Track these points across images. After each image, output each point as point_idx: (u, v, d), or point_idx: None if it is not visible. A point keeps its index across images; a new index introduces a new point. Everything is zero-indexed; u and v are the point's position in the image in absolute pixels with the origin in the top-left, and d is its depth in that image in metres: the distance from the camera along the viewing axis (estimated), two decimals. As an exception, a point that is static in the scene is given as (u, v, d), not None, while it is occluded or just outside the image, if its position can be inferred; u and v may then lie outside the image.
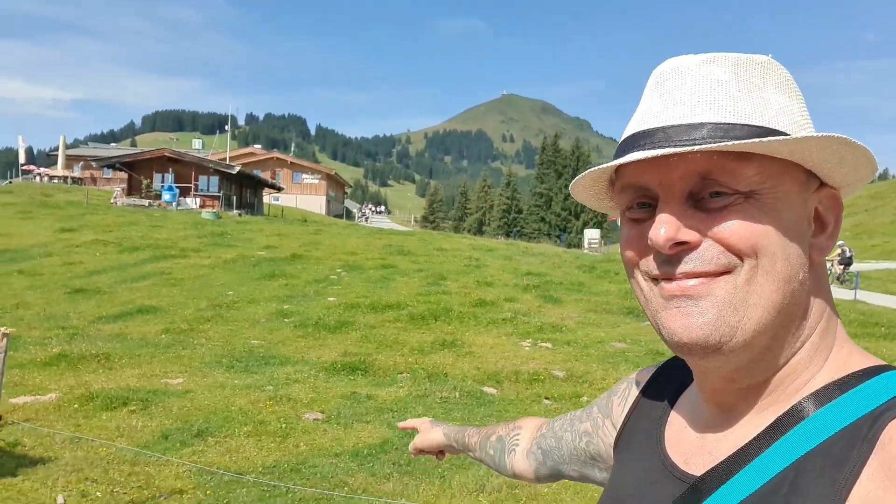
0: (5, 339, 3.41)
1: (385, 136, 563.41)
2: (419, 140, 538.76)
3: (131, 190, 34.29)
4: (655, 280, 0.62)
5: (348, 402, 6.56)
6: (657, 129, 0.61)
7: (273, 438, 5.42)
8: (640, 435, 0.78)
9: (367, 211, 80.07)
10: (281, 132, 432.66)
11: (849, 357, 0.63)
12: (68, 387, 6.64)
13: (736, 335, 0.58)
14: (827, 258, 0.69)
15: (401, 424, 1.41)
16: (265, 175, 50.36)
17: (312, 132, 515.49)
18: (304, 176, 58.04)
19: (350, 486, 4.46)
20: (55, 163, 49.44)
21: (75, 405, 6.05)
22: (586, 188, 0.71)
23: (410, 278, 14.83)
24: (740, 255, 0.58)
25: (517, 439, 1.09)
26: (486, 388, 7.30)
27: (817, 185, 0.64)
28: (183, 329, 10.16)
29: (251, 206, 39.21)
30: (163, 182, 33.89)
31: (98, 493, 4.14)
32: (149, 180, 33.89)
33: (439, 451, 1.30)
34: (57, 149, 49.98)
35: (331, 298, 12.40)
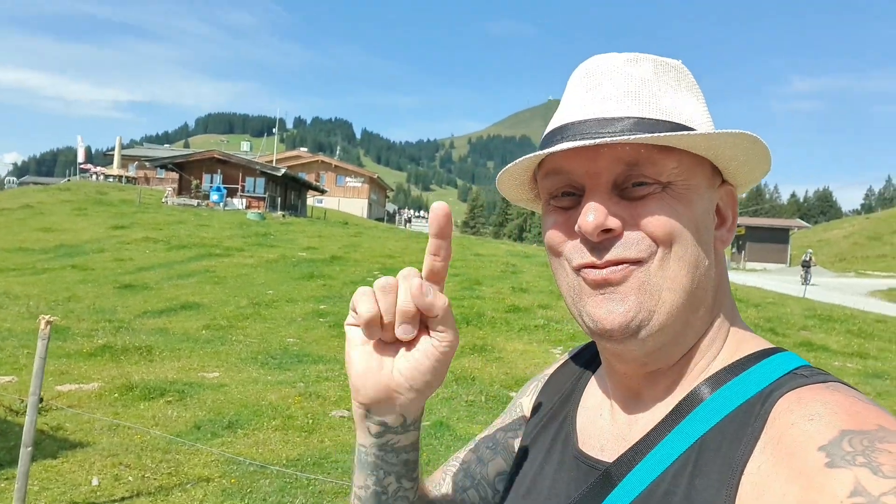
0: (48, 327, 3.62)
1: (429, 141, 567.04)
2: (462, 145, 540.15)
3: (181, 190, 35.48)
4: (577, 271, 0.64)
5: (375, 402, 6.68)
6: (586, 121, 0.63)
7: (299, 433, 5.57)
8: (549, 423, 0.78)
9: (410, 214, 79.70)
10: (327, 136, 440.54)
11: (742, 341, 0.67)
12: (110, 377, 6.94)
13: (652, 319, 0.62)
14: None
15: None
16: (310, 178, 51.42)
17: (358, 136, 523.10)
18: (348, 179, 58.98)
19: (370, 482, 4.56)
20: (111, 162, 51.61)
21: (115, 394, 6.33)
22: (514, 177, 0.71)
23: (446, 282, 14.92)
24: (657, 242, 0.62)
25: None
26: (512, 393, 7.32)
27: (719, 183, 0.69)
28: (223, 325, 10.47)
29: (295, 207, 40.04)
30: (211, 183, 34.97)
31: (130, 478, 4.34)
32: (198, 181, 35.03)
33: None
34: (113, 149, 52.11)
35: (366, 300, 12.58)
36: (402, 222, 65.26)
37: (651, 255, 0.62)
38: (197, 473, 4.50)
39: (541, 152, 0.64)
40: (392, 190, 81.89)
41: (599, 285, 0.62)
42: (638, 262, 0.62)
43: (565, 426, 0.75)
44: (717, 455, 0.58)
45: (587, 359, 0.83)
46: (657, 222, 0.61)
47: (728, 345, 0.67)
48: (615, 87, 0.64)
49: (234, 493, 4.22)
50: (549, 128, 0.68)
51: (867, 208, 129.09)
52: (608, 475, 0.65)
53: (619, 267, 0.62)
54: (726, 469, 0.56)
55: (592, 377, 0.79)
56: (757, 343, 0.67)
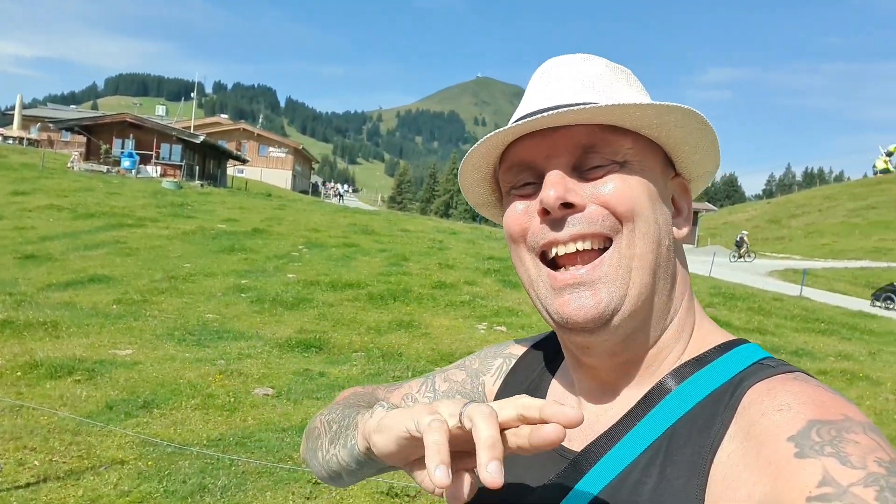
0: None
1: (356, 113, 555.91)
2: (390, 118, 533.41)
3: (89, 155, 33.23)
4: (543, 255, 0.65)
5: (300, 379, 6.59)
6: (542, 110, 0.65)
7: (220, 412, 5.42)
8: None
9: (339, 188, 75.19)
10: (249, 103, 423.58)
11: (708, 334, 0.69)
12: (12, 354, 6.50)
13: (625, 303, 0.63)
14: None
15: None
16: (230, 146, 49.34)
17: (282, 104, 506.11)
18: (271, 149, 57.10)
19: (294, 460, 4.52)
20: (10, 122, 47.52)
21: (18, 373, 5.94)
22: (476, 170, 0.72)
23: (372, 258, 14.81)
24: (620, 219, 0.63)
25: None
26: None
27: (673, 174, 0.71)
28: (136, 300, 9.99)
29: (214, 177, 38.43)
30: (123, 148, 32.95)
31: (36, 462, 4.10)
32: (108, 145, 32.89)
33: None
34: (13, 108, 47.99)
35: (290, 275, 12.33)
36: (331, 195, 63.68)
37: (616, 232, 0.63)
38: (110, 456, 4.30)
39: (497, 131, 0.64)
40: (318, 162, 79.82)
41: (569, 286, 0.63)
42: (603, 242, 0.64)
43: None
44: (688, 444, 0.58)
45: (552, 351, 0.81)
46: (618, 197, 0.63)
47: (694, 338, 0.68)
48: (571, 80, 0.68)
49: (152, 475, 4.08)
50: (509, 123, 0.69)
51: (768, 193, 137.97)
52: (576, 464, 0.65)
53: (589, 266, 0.63)
54: (696, 458, 0.57)
55: (558, 372, 0.78)
56: (721, 335, 0.69)
